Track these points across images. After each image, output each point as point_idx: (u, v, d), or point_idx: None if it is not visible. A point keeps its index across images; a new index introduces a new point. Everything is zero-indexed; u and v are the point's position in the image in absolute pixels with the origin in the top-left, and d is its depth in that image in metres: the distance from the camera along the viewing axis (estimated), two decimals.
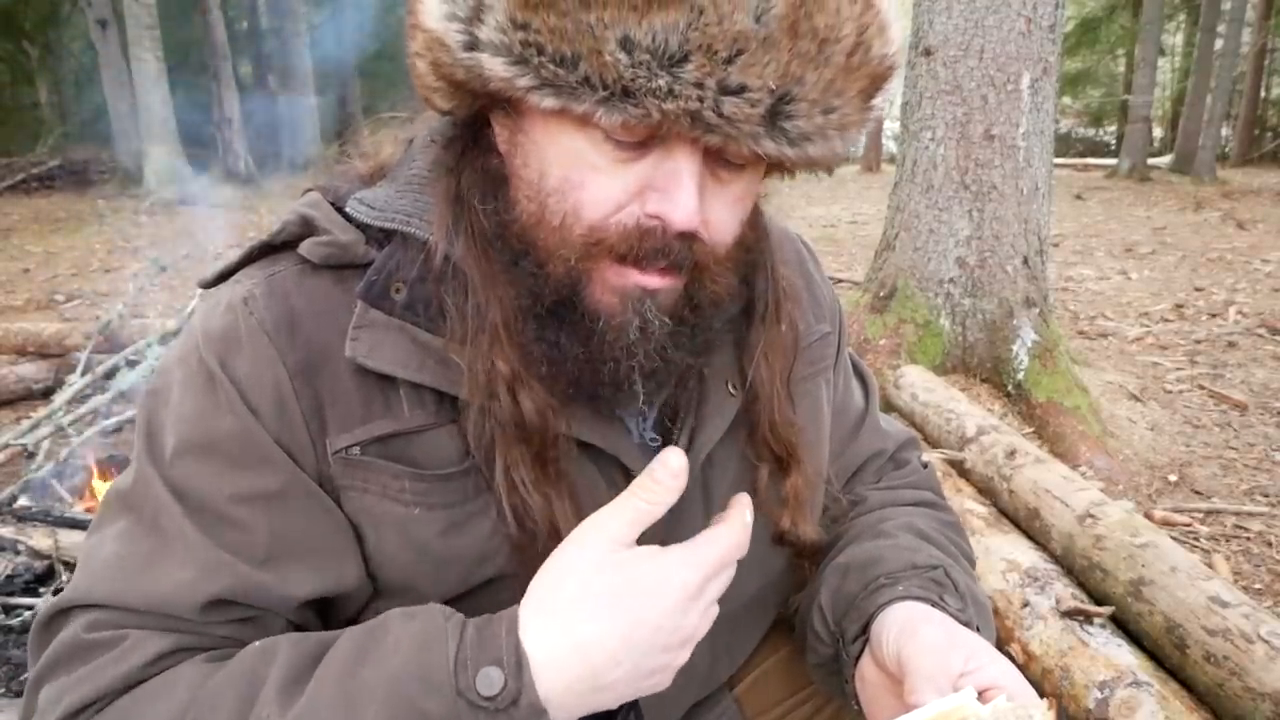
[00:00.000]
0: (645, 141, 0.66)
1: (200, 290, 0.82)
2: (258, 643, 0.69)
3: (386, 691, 0.62)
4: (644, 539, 0.78)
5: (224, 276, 0.79)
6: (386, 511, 0.74)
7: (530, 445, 0.72)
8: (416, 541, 0.75)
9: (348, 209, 0.77)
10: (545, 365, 0.71)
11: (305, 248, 0.75)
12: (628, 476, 0.79)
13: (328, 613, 0.79)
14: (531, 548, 0.73)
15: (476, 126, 0.75)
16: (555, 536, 0.72)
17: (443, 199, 0.74)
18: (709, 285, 0.72)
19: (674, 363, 0.72)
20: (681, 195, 0.65)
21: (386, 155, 0.82)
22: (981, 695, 0.69)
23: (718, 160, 0.68)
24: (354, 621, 0.81)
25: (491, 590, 0.77)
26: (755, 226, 0.79)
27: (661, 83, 0.60)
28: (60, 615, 0.71)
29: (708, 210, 0.68)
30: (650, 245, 0.67)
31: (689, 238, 0.68)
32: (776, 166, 0.74)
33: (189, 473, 0.71)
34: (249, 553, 0.71)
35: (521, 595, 0.68)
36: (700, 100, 0.60)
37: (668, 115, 0.61)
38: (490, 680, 0.61)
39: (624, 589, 0.65)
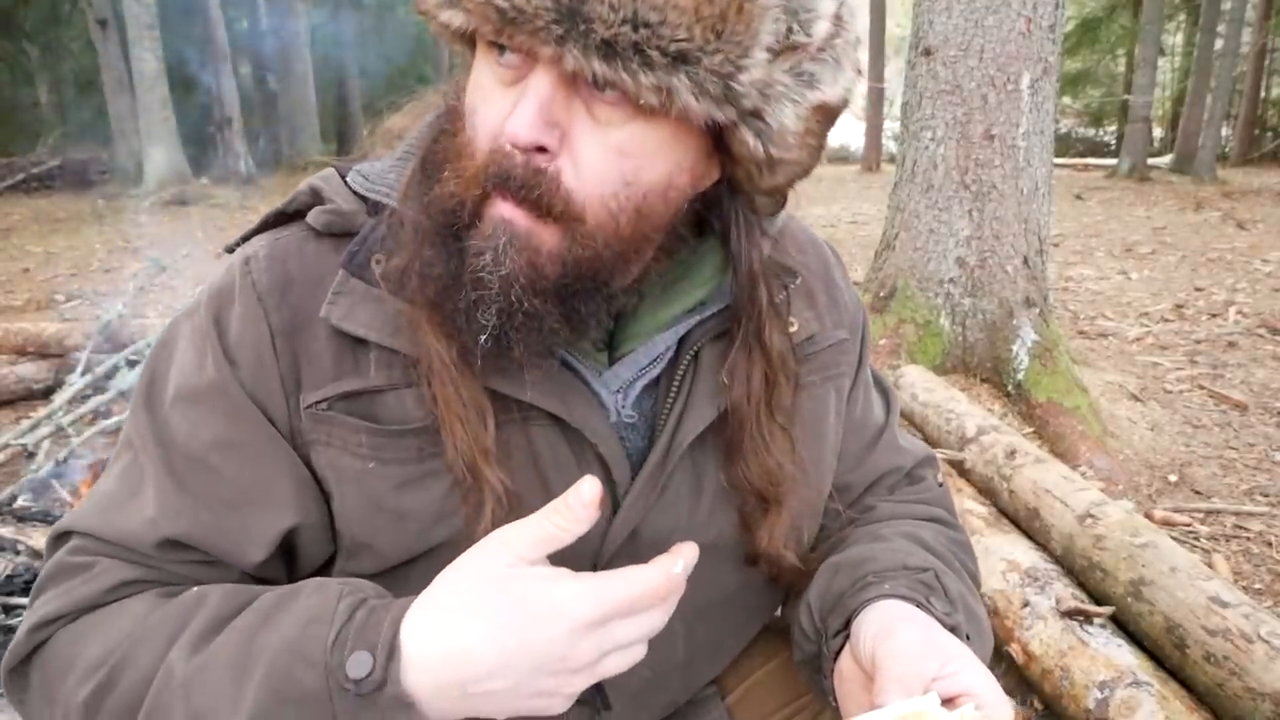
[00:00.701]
0: (523, 68, 0.66)
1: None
2: (199, 588, 0.74)
3: (271, 658, 0.65)
4: (628, 520, 0.80)
5: (243, 241, 0.84)
6: (347, 466, 0.76)
7: (432, 366, 0.73)
8: (371, 495, 0.77)
9: (347, 179, 0.81)
10: (416, 281, 0.71)
11: (311, 215, 0.79)
12: (597, 455, 0.80)
13: (294, 568, 0.81)
14: (473, 497, 0.74)
15: None
16: (480, 479, 0.73)
17: (418, 168, 0.76)
18: (577, 247, 0.68)
19: (533, 313, 0.69)
20: (520, 108, 0.65)
21: (400, 128, 0.84)
22: (953, 702, 0.68)
23: (593, 96, 0.66)
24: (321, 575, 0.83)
25: (448, 551, 0.77)
26: (662, 201, 0.72)
27: None
28: (62, 536, 0.79)
29: (576, 149, 0.66)
30: (496, 169, 0.66)
31: (537, 168, 0.66)
32: (737, 161, 0.70)
33: (177, 418, 0.77)
34: (213, 499, 0.75)
35: None
36: None
37: (475, 4, 0.62)
38: (360, 664, 0.63)
39: (513, 607, 0.64)
